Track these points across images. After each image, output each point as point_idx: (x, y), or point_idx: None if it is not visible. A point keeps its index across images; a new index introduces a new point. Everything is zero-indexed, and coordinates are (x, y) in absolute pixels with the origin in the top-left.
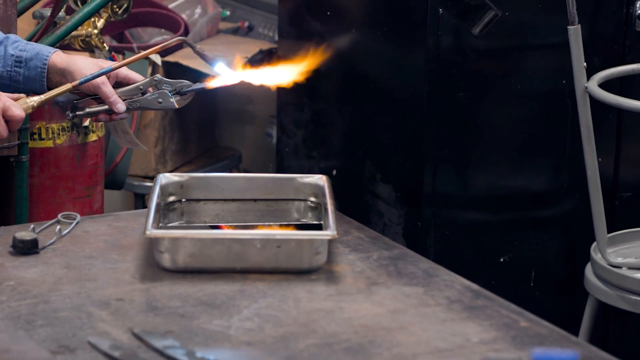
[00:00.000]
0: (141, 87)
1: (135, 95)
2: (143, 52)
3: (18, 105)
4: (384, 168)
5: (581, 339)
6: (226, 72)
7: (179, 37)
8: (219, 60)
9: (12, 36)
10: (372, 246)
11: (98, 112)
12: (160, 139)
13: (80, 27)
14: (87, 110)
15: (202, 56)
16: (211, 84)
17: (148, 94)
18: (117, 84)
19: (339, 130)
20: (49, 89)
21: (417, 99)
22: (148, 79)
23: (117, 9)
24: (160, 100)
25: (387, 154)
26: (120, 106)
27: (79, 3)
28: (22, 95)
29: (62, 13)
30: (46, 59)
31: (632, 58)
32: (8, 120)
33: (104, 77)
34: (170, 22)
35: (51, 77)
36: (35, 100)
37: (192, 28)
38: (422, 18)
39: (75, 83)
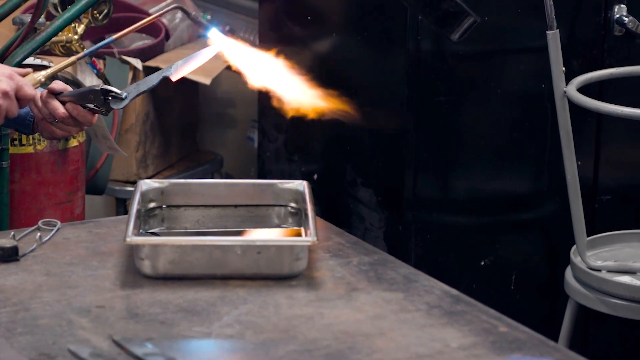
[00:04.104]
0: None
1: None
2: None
3: (30, 85)
4: (365, 172)
5: (561, 343)
6: (219, 38)
7: (175, 5)
8: (212, 25)
9: None
10: (352, 251)
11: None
12: (141, 143)
13: (60, 33)
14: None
15: (197, 22)
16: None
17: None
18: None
19: (320, 134)
20: None
21: (398, 103)
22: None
23: (98, 15)
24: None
25: (368, 158)
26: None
27: (59, 9)
28: (30, 70)
29: (42, 19)
30: None
31: (611, 62)
32: (19, 99)
33: (36, 95)
34: (150, 26)
35: None
36: (42, 74)
37: (173, 33)
38: (402, 22)
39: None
